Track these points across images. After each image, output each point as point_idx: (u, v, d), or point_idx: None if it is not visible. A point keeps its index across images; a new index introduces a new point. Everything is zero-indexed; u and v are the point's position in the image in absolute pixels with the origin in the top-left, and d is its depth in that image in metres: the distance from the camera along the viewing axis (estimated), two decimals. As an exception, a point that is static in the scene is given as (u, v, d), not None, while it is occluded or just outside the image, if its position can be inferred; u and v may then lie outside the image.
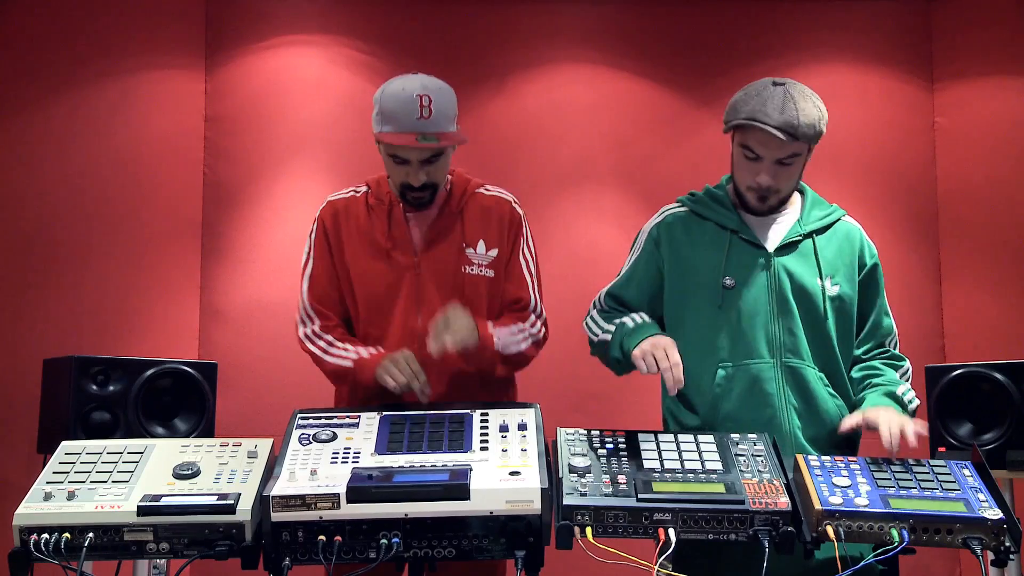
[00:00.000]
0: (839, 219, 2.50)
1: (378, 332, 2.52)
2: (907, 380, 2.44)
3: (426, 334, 2.42)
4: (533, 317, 2.62)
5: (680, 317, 2.46)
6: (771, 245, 2.43)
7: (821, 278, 2.41)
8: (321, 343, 2.51)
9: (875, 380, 2.40)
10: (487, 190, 2.65)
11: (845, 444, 2.40)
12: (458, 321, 2.35)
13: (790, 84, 2.36)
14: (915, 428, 2.19)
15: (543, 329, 2.62)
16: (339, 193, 2.64)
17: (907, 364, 2.48)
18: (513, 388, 2.68)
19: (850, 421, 2.30)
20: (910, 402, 2.37)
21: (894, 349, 2.50)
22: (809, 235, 2.44)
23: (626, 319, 2.43)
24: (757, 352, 2.37)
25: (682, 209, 2.54)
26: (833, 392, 2.40)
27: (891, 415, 2.22)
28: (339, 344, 2.49)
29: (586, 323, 2.55)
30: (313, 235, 2.60)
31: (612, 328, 2.43)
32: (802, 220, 2.46)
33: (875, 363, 2.45)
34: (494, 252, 2.57)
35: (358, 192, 2.62)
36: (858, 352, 2.48)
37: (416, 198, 2.51)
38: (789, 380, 2.36)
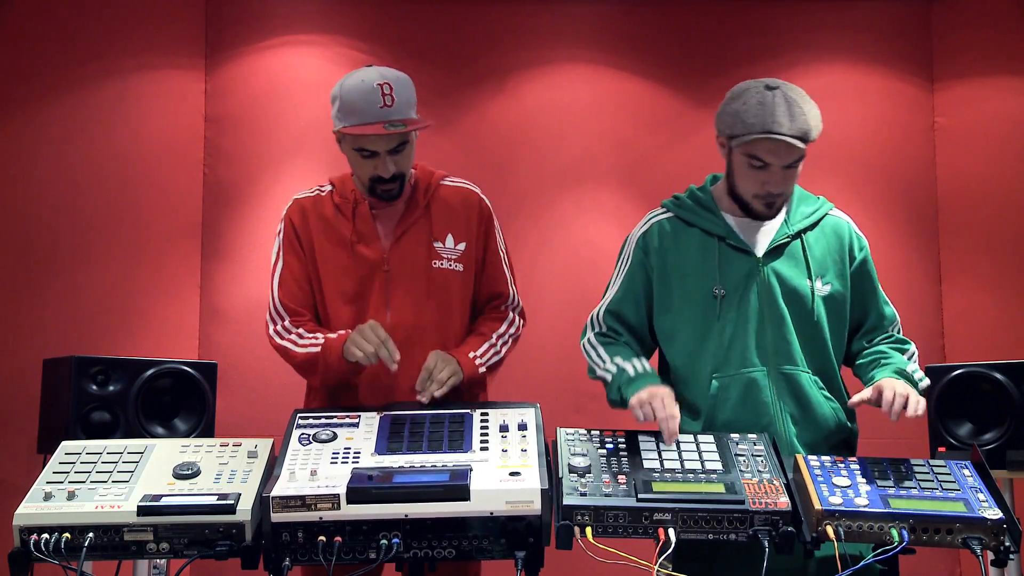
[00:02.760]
0: (826, 214, 2.47)
1: (349, 329, 2.48)
2: (914, 362, 2.42)
3: (397, 330, 2.43)
4: (512, 315, 2.62)
5: (672, 328, 2.45)
6: (759, 250, 2.40)
7: (811, 279, 2.39)
8: (291, 336, 2.48)
9: (884, 361, 2.38)
10: (451, 181, 2.63)
11: (843, 447, 2.40)
12: (441, 370, 2.35)
13: (784, 87, 2.32)
14: (922, 402, 2.16)
15: (520, 323, 2.64)
16: (304, 192, 2.62)
17: (912, 347, 2.46)
18: (483, 387, 2.66)
19: (861, 396, 2.24)
20: (920, 380, 2.34)
21: (898, 334, 2.48)
22: (797, 235, 2.42)
23: (627, 365, 2.38)
24: (750, 361, 2.35)
25: (667, 215, 2.50)
26: (828, 395, 2.38)
27: (899, 384, 2.19)
28: (308, 335, 2.47)
29: (583, 346, 2.51)
30: (281, 234, 2.58)
31: (613, 369, 2.39)
32: (789, 220, 2.43)
33: (881, 347, 2.43)
34: (462, 246, 2.56)
35: (323, 191, 2.60)
36: (863, 343, 2.47)
37: (386, 191, 2.50)
38: (784, 387, 2.35)
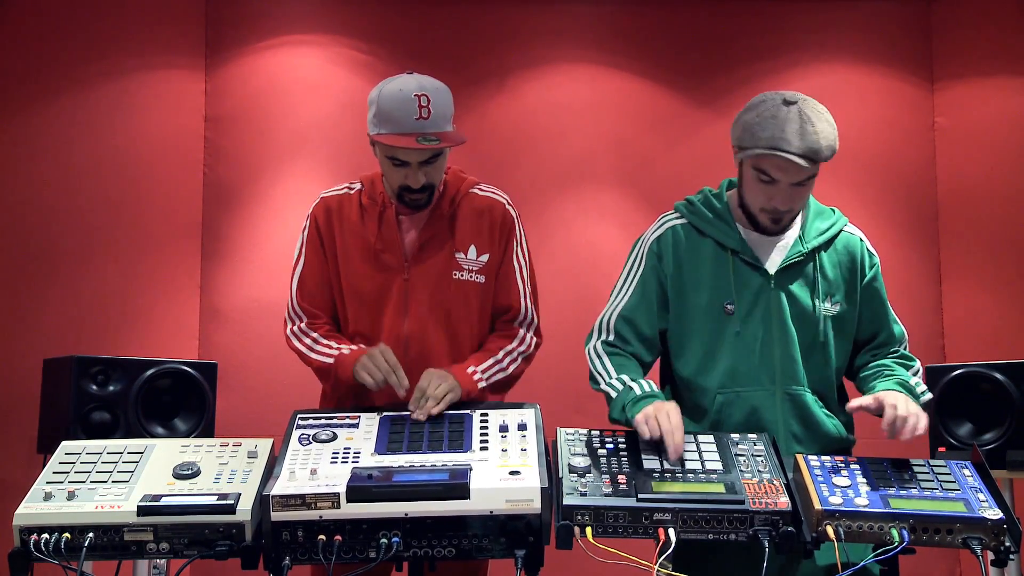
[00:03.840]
0: (840, 231, 2.44)
1: (366, 334, 2.50)
2: (918, 378, 2.40)
3: (413, 339, 2.42)
4: (523, 332, 2.57)
5: (681, 338, 2.42)
6: (772, 267, 2.37)
7: (820, 299, 2.36)
8: (307, 340, 2.49)
9: (887, 373, 2.36)
10: (481, 190, 2.60)
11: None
12: (437, 387, 2.27)
13: (802, 102, 2.29)
14: (924, 420, 2.13)
15: (534, 341, 2.58)
16: (333, 190, 2.60)
17: (917, 364, 2.44)
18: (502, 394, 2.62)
19: (861, 402, 2.22)
20: (922, 393, 2.32)
21: (904, 351, 2.46)
22: (811, 253, 2.38)
23: (634, 385, 2.31)
24: (756, 380, 2.34)
25: (680, 220, 2.46)
26: (828, 412, 2.37)
27: (900, 398, 2.17)
28: (323, 341, 2.47)
29: (588, 352, 2.45)
30: (306, 232, 2.57)
31: (619, 387, 2.33)
32: (803, 236, 2.39)
33: (885, 361, 2.42)
34: (485, 257, 2.54)
35: (351, 189, 2.58)
36: (868, 356, 2.45)
37: (414, 200, 2.47)
38: (789, 407, 2.33)
